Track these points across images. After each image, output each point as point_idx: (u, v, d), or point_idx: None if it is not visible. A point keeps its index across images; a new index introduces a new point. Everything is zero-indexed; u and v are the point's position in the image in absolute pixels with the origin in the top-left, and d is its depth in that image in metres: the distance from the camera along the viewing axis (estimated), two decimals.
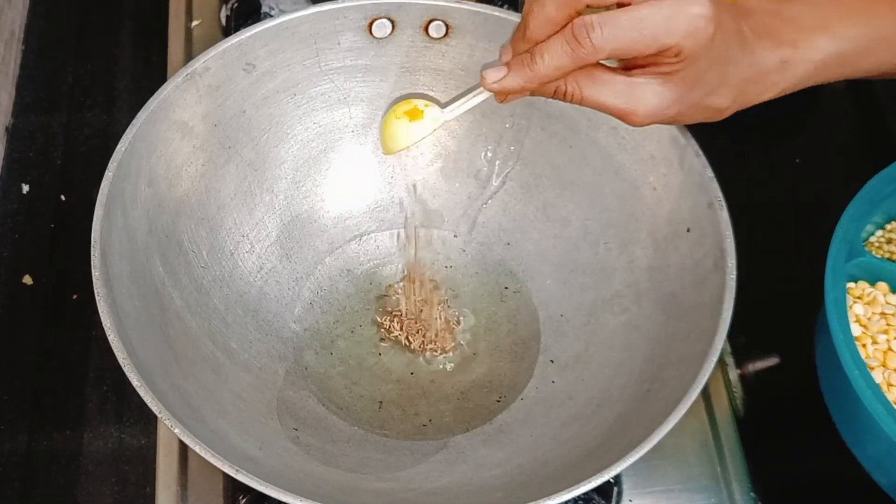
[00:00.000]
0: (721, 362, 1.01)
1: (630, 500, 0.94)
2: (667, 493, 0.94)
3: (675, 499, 0.94)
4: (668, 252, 0.93)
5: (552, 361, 0.96)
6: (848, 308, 0.91)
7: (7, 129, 1.17)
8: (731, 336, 0.86)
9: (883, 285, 0.94)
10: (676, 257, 0.92)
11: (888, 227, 0.99)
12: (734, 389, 1.01)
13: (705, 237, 0.89)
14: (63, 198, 1.13)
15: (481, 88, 0.80)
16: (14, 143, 1.17)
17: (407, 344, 0.97)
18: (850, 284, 0.93)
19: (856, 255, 0.92)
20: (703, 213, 0.89)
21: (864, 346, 0.90)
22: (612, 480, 0.92)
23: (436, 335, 0.97)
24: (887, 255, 0.97)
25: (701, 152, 0.91)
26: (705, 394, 0.99)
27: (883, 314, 0.92)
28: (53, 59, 1.26)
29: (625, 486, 0.94)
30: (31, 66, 1.24)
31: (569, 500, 0.76)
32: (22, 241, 1.10)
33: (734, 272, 0.85)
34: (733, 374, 1.02)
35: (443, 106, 0.85)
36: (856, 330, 0.91)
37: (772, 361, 1.03)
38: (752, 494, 0.94)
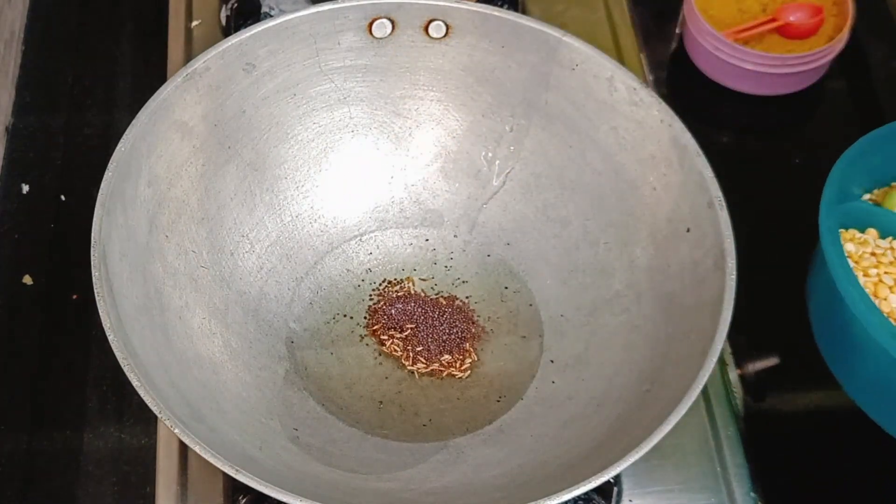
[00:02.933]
0: (721, 362, 1.01)
1: (630, 500, 0.94)
2: (667, 493, 0.94)
3: (675, 499, 0.94)
4: (668, 252, 0.93)
5: (552, 361, 0.96)
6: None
7: (7, 129, 1.17)
8: (731, 336, 0.86)
9: (873, 231, 0.95)
10: (676, 257, 0.92)
11: (875, 191, 1.00)
12: (734, 389, 1.01)
13: (705, 237, 0.89)
14: (63, 198, 1.13)
15: None
16: (14, 144, 1.17)
17: (411, 370, 0.97)
18: (842, 230, 0.94)
19: (848, 200, 0.95)
20: (703, 213, 0.89)
21: None
22: (612, 480, 0.92)
23: (443, 365, 0.97)
24: None
25: (701, 152, 0.91)
26: (705, 394, 0.99)
27: (873, 253, 0.94)
28: (53, 59, 1.25)
29: (625, 486, 0.94)
30: (31, 66, 1.24)
31: (569, 500, 0.76)
32: (22, 241, 1.10)
33: (734, 272, 0.85)
34: (733, 373, 1.02)
35: None
36: None
37: (771, 361, 1.03)
38: (751, 494, 0.94)
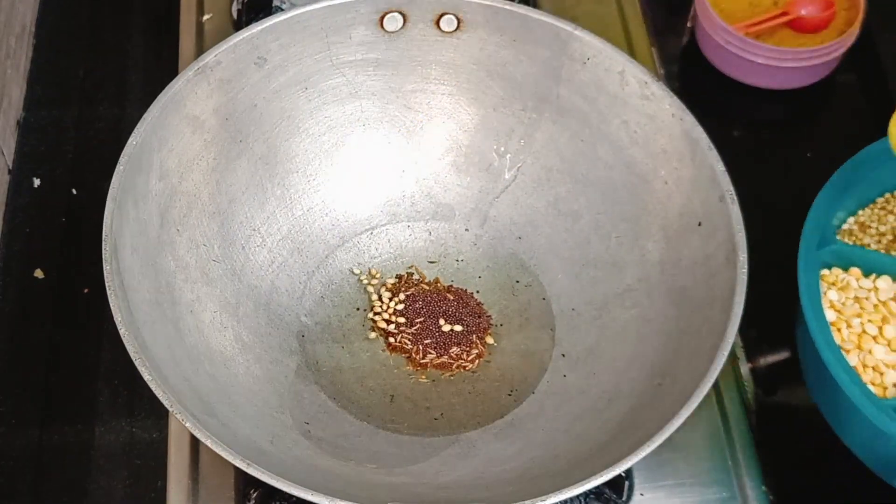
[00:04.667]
0: (732, 356, 1.01)
1: (641, 494, 0.94)
2: (678, 487, 0.94)
3: (686, 492, 0.94)
4: (679, 246, 0.93)
5: (564, 355, 0.96)
6: (822, 294, 0.92)
7: (18, 122, 1.17)
8: (742, 330, 0.86)
9: (855, 270, 0.95)
10: (688, 251, 0.92)
11: (860, 213, 1.01)
12: (745, 383, 1.01)
13: (717, 231, 0.89)
14: (74, 192, 1.13)
15: None
16: (25, 137, 1.17)
17: (418, 364, 0.97)
18: (825, 271, 0.94)
19: (828, 242, 0.94)
20: (714, 207, 0.89)
21: (838, 330, 0.92)
22: (623, 474, 0.92)
23: (451, 357, 0.97)
24: (859, 242, 0.99)
25: (713, 146, 0.91)
26: (716, 388, 0.99)
27: (856, 298, 0.93)
28: (65, 53, 1.26)
29: (636, 480, 0.94)
30: (43, 60, 1.24)
31: (580, 494, 0.76)
32: (33, 234, 1.10)
33: (745, 266, 0.85)
34: (744, 367, 1.02)
35: None
36: (830, 315, 0.92)
37: (782, 355, 1.02)
38: (762, 488, 0.94)
